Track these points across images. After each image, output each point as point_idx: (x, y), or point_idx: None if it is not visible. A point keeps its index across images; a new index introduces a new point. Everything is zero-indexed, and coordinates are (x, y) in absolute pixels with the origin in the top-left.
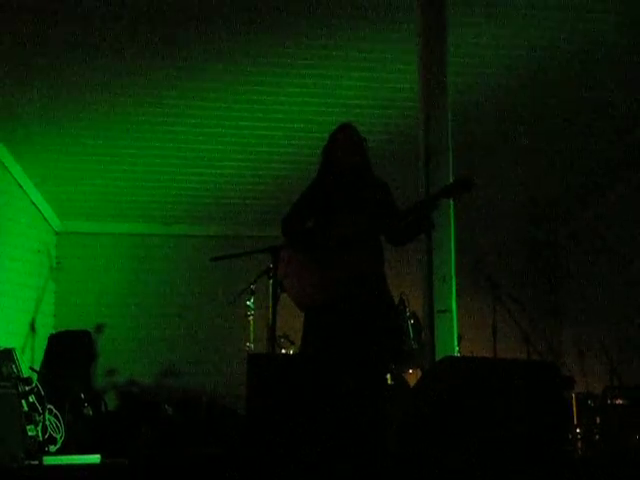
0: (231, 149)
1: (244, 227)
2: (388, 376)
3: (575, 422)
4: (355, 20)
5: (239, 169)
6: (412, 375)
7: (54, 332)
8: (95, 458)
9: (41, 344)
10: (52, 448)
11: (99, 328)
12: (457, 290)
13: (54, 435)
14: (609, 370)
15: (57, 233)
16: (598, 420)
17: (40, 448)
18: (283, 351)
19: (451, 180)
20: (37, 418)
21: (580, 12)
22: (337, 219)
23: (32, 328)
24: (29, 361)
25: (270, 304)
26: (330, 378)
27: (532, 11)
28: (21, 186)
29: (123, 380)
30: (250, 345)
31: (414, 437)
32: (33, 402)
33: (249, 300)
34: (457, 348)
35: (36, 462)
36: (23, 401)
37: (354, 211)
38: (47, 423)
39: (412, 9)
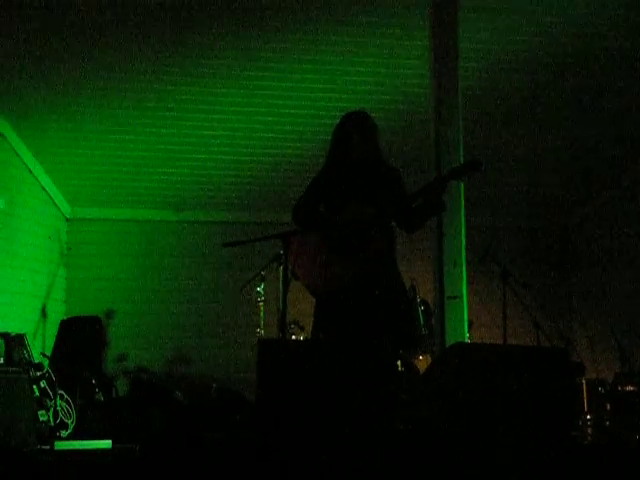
0: (243, 135)
1: (255, 213)
2: (398, 362)
3: (585, 409)
4: (367, 7)
5: (251, 155)
6: (422, 361)
7: (65, 318)
8: (106, 443)
9: (52, 330)
10: (63, 433)
11: (109, 314)
12: (467, 276)
13: (65, 420)
14: (619, 356)
15: (68, 219)
16: (608, 407)
17: (51, 433)
18: (293, 337)
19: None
20: (48, 403)
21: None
22: (348, 206)
23: (43, 314)
24: (40, 347)
25: (280, 290)
26: (340, 364)
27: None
28: (32, 172)
29: (133, 366)
30: (260, 331)
31: (424, 423)
32: (44, 387)
33: (259, 286)
34: (467, 334)
35: (47, 447)
36: (34, 386)
37: (366, 198)
38: (58, 408)
39: None
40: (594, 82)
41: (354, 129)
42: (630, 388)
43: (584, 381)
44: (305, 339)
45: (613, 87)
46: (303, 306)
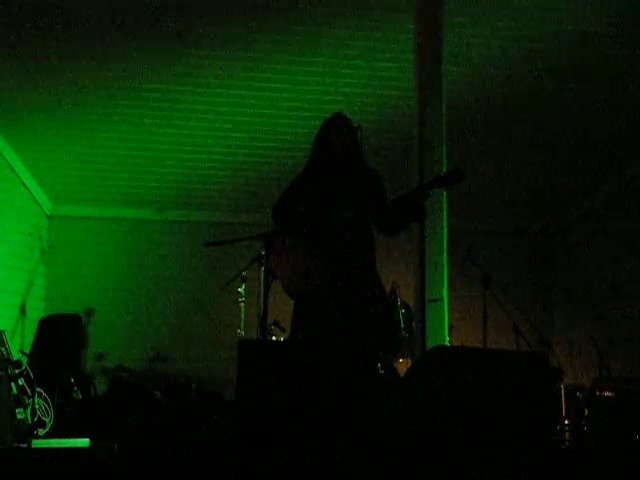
0: (226, 135)
1: (236, 214)
2: (378, 365)
3: (563, 413)
4: (352, 10)
5: (233, 155)
6: (402, 364)
7: (44, 315)
8: (84, 442)
9: (31, 327)
10: (41, 431)
11: (89, 312)
12: (448, 280)
13: (43, 418)
14: (598, 362)
15: (49, 216)
16: (586, 412)
17: (29, 431)
18: (273, 338)
19: (444, 170)
20: (26, 401)
21: (579, 4)
22: (328, 207)
23: (22, 311)
24: (19, 344)
25: (261, 291)
26: (321, 366)
27: (530, 2)
28: (13, 168)
29: (113, 365)
30: (241, 331)
31: (403, 426)
32: (22, 385)
33: (240, 287)
34: (448, 338)
35: (25, 445)
36: (12, 384)
37: (345, 199)
38: (36, 406)
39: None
40: (579, 86)
41: (333, 130)
42: (608, 394)
43: (563, 386)
44: (285, 340)
45: (597, 91)
46: (284, 307)
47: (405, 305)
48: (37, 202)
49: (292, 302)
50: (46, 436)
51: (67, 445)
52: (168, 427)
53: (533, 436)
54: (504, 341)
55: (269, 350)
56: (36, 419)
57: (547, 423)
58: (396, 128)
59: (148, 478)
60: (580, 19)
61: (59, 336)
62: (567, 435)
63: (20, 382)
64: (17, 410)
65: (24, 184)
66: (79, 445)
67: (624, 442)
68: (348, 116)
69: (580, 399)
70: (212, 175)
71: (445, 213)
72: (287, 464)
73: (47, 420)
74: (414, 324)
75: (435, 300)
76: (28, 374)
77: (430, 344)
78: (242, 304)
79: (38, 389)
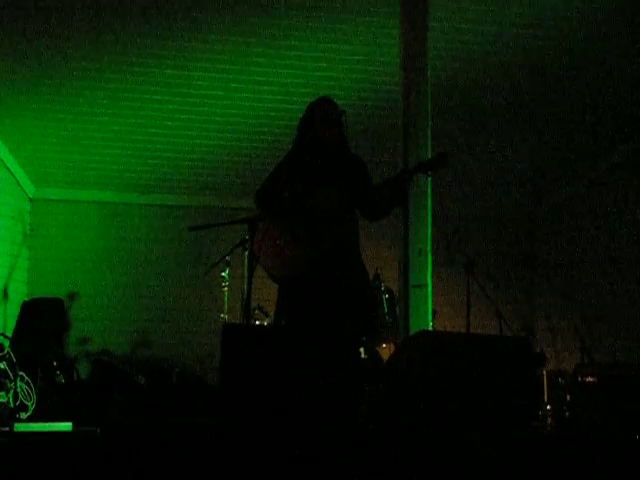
0: (209, 119)
1: (220, 198)
2: (362, 350)
3: (545, 399)
4: None
5: (217, 139)
6: (385, 349)
7: (27, 299)
8: (66, 426)
9: (13, 311)
10: (23, 415)
11: (72, 296)
12: (432, 265)
13: (25, 402)
14: (580, 348)
15: (31, 199)
16: (568, 397)
17: (11, 415)
18: (257, 323)
19: (430, 154)
20: (8, 385)
21: None
22: (312, 192)
23: (5, 294)
24: (1, 327)
25: (245, 275)
26: (304, 351)
27: None
28: None
29: (96, 349)
30: (224, 316)
31: (386, 410)
32: (4, 369)
33: (224, 271)
34: (431, 323)
35: (6, 429)
36: None
37: (329, 184)
38: (18, 390)
39: None
40: (565, 73)
41: (317, 114)
42: (590, 379)
43: (545, 372)
44: (269, 325)
45: (584, 77)
46: (268, 292)
47: (389, 290)
48: (20, 185)
49: (276, 287)
50: (28, 420)
51: (49, 429)
52: (150, 411)
53: (515, 421)
54: (487, 327)
55: (253, 335)
56: (18, 403)
57: (529, 408)
58: (381, 113)
59: (130, 462)
60: (571, 7)
61: (42, 320)
62: (549, 420)
63: (2, 365)
64: None
65: (7, 167)
66: (61, 429)
67: (605, 427)
68: (334, 100)
69: (562, 385)
70: (196, 159)
71: (430, 198)
72: (269, 448)
73: (29, 404)
74: (398, 309)
75: (419, 286)
76: (10, 357)
77: (414, 329)
78: (226, 289)
79: (20, 373)
